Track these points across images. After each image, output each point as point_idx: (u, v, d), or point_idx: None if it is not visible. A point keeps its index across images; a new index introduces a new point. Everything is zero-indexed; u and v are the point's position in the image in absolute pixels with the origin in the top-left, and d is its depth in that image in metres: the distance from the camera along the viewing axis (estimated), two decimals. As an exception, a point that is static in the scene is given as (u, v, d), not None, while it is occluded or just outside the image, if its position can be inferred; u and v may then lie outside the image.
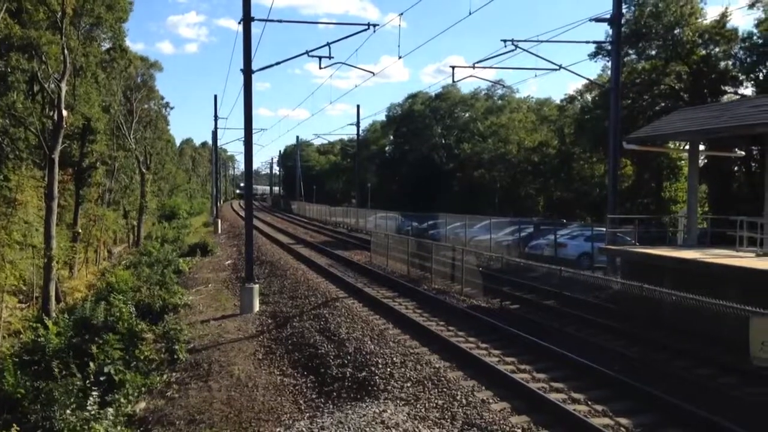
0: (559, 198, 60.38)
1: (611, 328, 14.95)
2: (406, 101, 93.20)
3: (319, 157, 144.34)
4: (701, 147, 23.54)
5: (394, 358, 12.25)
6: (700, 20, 40.61)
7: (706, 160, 37.31)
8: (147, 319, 18.81)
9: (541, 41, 23.64)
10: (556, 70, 24.89)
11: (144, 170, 67.15)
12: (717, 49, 40.38)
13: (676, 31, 40.63)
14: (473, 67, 26.03)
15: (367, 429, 9.27)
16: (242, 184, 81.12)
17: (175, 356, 15.19)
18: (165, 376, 14.32)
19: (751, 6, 37.13)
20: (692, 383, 10.83)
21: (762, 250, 16.90)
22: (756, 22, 37.69)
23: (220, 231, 52.23)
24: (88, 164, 46.41)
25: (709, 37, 39.81)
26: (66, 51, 32.94)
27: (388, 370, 11.71)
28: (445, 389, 10.50)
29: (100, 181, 52.55)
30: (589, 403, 9.97)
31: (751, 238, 18.02)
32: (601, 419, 9.37)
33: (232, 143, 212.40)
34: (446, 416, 9.60)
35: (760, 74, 39.07)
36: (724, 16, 39.38)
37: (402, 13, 24.95)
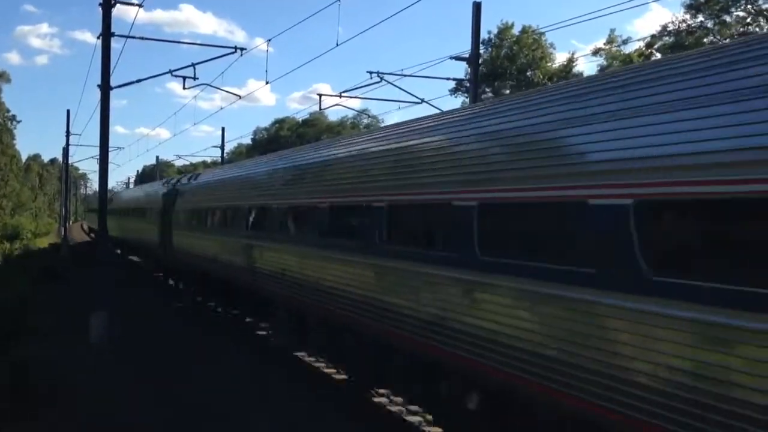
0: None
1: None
2: (272, 126, 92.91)
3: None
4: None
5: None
6: (550, 64, 43.95)
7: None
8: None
9: (405, 75, 24.57)
10: (418, 103, 25.76)
11: (-16, 187, 62.11)
12: (565, 92, 43.80)
13: (528, 73, 43.70)
14: (340, 96, 26.61)
15: None
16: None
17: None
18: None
19: (595, 53, 40.83)
20: None
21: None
22: (599, 67, 41.40)
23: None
24: None
25: (557, 79, 43.10)
26: None
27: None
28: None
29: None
30: None
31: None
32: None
33: (85, 161, 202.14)
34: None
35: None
36: (570, 61, 42.96)
37: (270, 40, 25.27)
